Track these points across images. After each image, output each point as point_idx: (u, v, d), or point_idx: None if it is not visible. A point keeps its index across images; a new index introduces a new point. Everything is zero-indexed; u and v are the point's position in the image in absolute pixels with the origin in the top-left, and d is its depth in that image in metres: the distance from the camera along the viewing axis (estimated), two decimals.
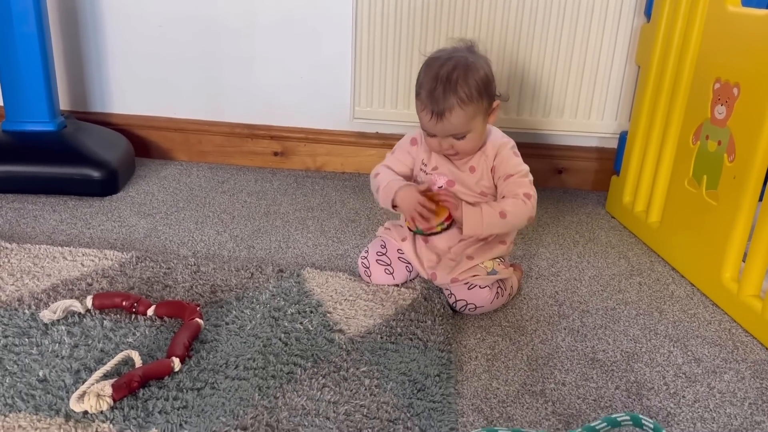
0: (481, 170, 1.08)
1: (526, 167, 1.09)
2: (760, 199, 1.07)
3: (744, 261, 1.10)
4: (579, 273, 1.24)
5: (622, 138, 1.52)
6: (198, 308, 0.98)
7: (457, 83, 0.99)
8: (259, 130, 1.75)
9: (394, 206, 1.08)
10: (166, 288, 1.08)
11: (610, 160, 1.64)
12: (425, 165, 1.11)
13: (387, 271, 1.12)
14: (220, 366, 0.88)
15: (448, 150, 1.05)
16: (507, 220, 1.05)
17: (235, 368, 0.87)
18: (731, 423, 0.85)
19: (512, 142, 1.10)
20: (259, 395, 0.82)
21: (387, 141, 1.72)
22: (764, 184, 1.08)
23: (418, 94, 1.04)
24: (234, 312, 1.01)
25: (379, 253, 1.13)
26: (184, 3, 1.65)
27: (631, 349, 1.00)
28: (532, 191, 1.07)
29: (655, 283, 1.22)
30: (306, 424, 0.78)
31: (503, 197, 1.07)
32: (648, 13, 1.43)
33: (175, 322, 0.98)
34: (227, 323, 0.98)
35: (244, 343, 0.93)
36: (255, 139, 1.75)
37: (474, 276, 1.07)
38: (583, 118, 1.60)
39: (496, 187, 1.09)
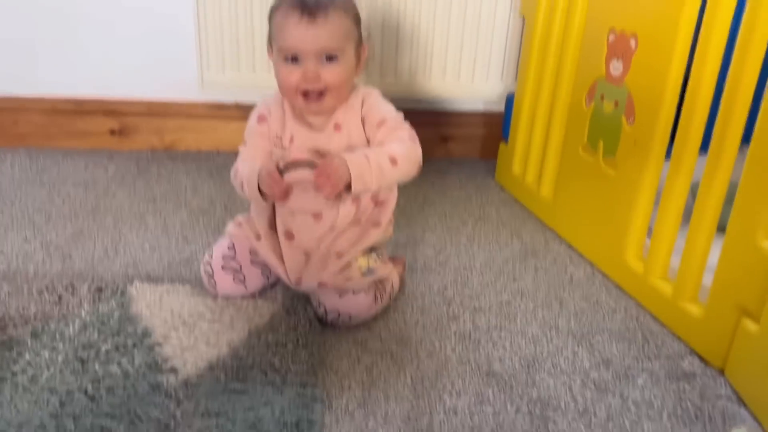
0: (349, 126, 0.87)
1: (401, 114, 0.89)
2: (667, 157, 0.93)
3: (649, 237, 0.97)
4: (469, 260, 1.08)
5: (509, 100, 1.37)
6: None
7: None
8: (89, 104, 1.45)
9: (263, 194, 0.84)
10: None
11: (499, 125, 1.49)
12: (279, 138, 0.89)
13: (237, 278, 0.91)
14: None
15: (313, 82, 0.82)
16: (399, 168, 0.83)
17: None
18: None
19: (377, 91, 0.90)
20: None
21: (248, 112, 1.46)
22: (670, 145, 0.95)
23: (277, 8, 0.83)
24: (27, 356, 0.76)
25: (226, 257, 0.91)
26: None
27: (531, 354, 0.85)
28: (414, 133, 0.88)
29: (552, 265, 1.07)
30: None
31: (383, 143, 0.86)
32: None
33: None
34: (14, 374, 0.73)
35: (34, 402, 0.69)
36: (85, 115, 1.45)
37: (347, 280, 0.88)
38: (466, 80, 1.43)
39: (368, 141, 0.88)
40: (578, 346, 0.87)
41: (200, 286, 0.93)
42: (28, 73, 1.42)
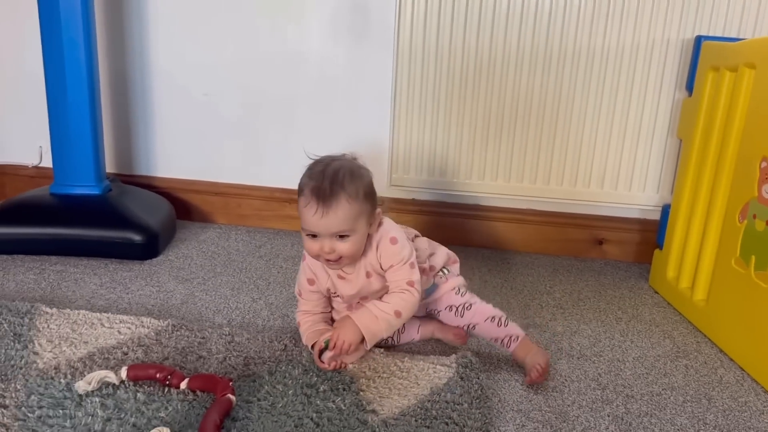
0: (374, 269, 1.08)
1: (406, 252, 1.07)
2: None
3: None
4: (622, 353, 1.20)
5: (665, 211, 1.49)
6: (230, 383, 0.97)
7: (344, 180, 0.99)
8: (296, 194, 1.76)
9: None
10: (200, 359, 1.07)
11: (653, 232, 1.60)
12: (332, 292, 1.12)
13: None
14: None
15: (329, 254, 1.02)
16: (402, 318, 1.06)
17: None
18: None
19: (392, 232, 1.08)
20: None
21: (423, 207, 1.72)
22: None
23: (300, 191, 1.02)
24: (266, 387, 1.00)
25: None
26: (229, 73, 1.71)
27: None
28: (414, 276, 1.06)
29: (702, 366, 1.16)
30: None
31: (389, 291, 1.07)
32: (690, 87, 1.42)
33: (207, 396, 0.97)
34: (259, 399, 0.97)
35: (276, 422, 0.92)
36: (293, 203, 1.77)
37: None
38: (624, 190, 1.58)
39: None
40: None
41: (388, 349, 1.13)
42: (254, 166, 1.78)
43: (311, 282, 1.12)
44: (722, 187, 1.26)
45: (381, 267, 1.07)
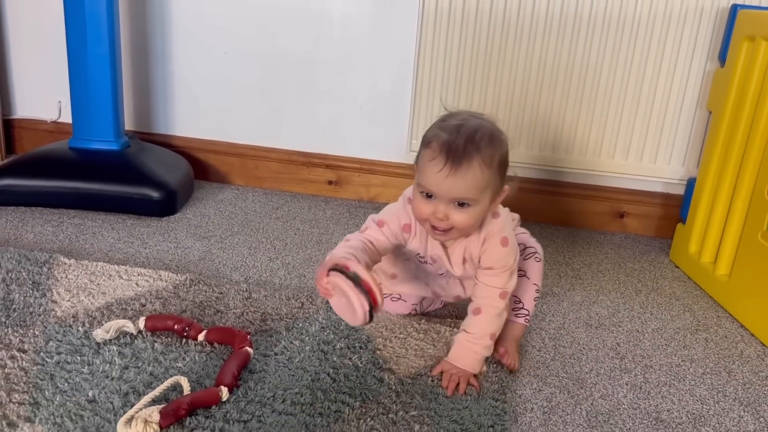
0: (472, 259, 0.97)
1: (512, 259, 0.96)
2: None
3: None
4: (642, 324, 1.18)
5: (690, 185, 1.46)
6: (248, 336, 0.97)
7: (481, 142, 0.85)
8: (315, 158, 1.75)
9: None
10: (217, 313, 1.07)
11: (675, 207, 1.58)
12: (423, 256, 0.99)
13: (393, 298, 1.11)
14: (268, 399, 0.86)
15: (440, 221, 0.88)
16: (496, 334, 0.97)
17: (282, 402, 0.85)
18: None
19: (505, 231, 0.95)
20: None
21: None
22: None
23: (427, 143, 0.89)
24: (283, 342, 1.00)
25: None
26: (250, 32, 1.68)
27: (697, 410, 0.94)
28: (510, 285, 0.96)
29: (722, 340, 1.15)
30: None
31: (477, 302, 0.97)
32: (722, 58, 1.38)
33: (225, 348, 0.97)
34: (276, 354, 0.97)
35: (293, 376, 0.91)
36: (311, 167, 1.76)
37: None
38: (648, 162, 1.55)
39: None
40: (744, 411, 0.94)
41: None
42: (272, 129, 1.76)
43: (407, 229, 0.97)
44: (752, 161, 1.23)
45: (479, 262, 0.96)
